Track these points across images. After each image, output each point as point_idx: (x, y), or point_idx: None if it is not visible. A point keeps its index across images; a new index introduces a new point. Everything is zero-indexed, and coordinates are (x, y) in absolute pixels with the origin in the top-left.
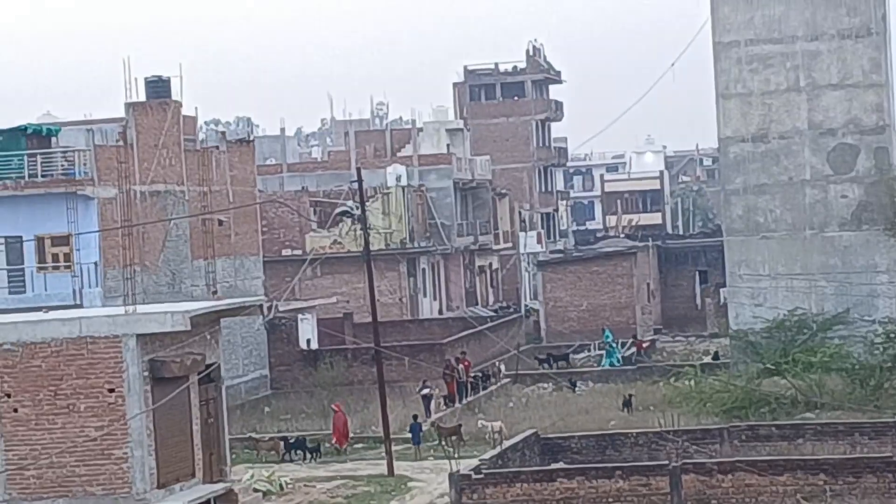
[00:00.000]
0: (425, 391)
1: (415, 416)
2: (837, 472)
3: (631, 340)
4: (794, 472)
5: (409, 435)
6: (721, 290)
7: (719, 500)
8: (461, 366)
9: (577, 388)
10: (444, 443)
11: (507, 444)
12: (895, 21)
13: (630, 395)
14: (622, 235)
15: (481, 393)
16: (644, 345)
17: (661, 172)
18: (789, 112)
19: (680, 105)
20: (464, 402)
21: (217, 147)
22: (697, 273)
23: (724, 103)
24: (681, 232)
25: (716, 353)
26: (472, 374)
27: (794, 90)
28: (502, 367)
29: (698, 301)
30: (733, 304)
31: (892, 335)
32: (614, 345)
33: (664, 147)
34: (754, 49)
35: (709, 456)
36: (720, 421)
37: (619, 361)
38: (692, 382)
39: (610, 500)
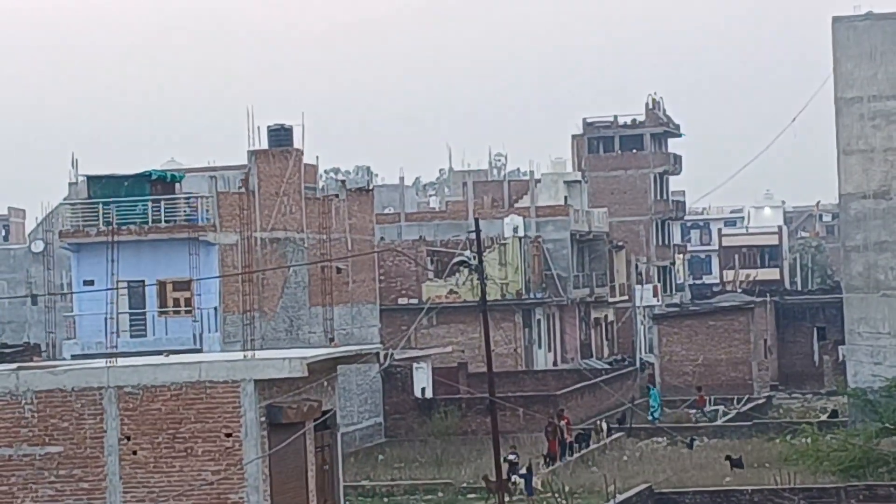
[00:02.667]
0: (511, 457)
1: (528, 468)
2: None
3: (695, 397)
4: None
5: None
6: (839, 347)
7: None
8: (563, 423)
9: (693, 446)
10: (491, 497)
11: (620, 497)
12: None
13: (729, 456)
14: (739, 290)
15: (581, 452)
16: (705, 399)
17: (780, 227)
18: None
19: (800, 160)
20: (565, 460)
21: (337, 195)
22: (815, 330)
23: (845, 159)
24: (799, 288)
25: (834, 410)
26: (575, 432)
27: None
28: (604, 426)
29: (816, 358)
30: (852, 361)
31: None
32: (655, 404)
33: (783, 202)
34: (877, 105)
35: None
36: (837, 480)
37: (653, 418)
38: (809, 440)
39: None
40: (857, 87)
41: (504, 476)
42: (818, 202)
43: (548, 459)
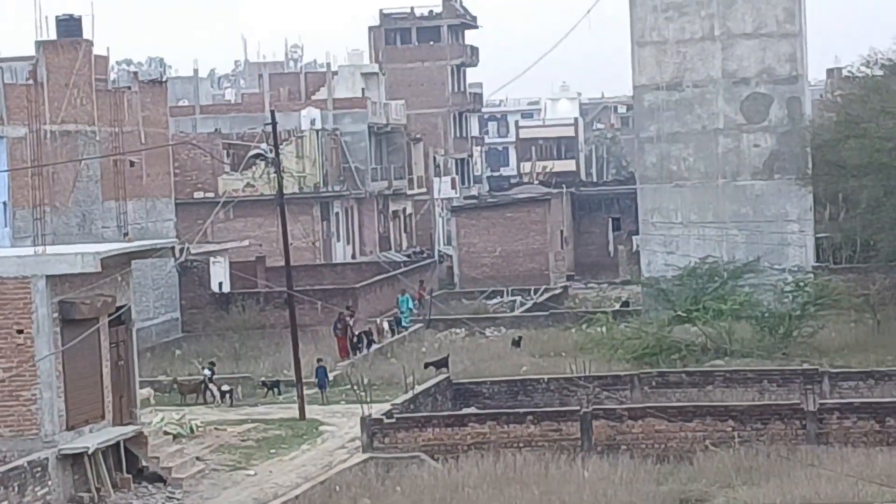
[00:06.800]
0: (207, 372)
1: (318, 360)
2: (746, 418)
3: (417, 289)
4: (704, 418)
5: (315, 380)
6: (633, 237)
7: (629, 446)
8: (351, 320)
9: (520, 345)
10: (185, 400)
11: (419, 388)
12: None
13: (519, 337)
14: (536, 182)
15: (365, 352)
16: (426, 292)
17: (576, 119)
18: (704, 61)
19: (595, 52)
20: (355, 357)
21: (129, 87)
22: (610, 220)
23: (639, 51)
24: (594, 179)
25: (626, 301)
26: (357, 332)
27: (708, 39)
28: (385, 325)
29: (611, 248)
30: (646, 251)
31: (802, 284)
32: (406, 310)
33: (579, 94)
34: None
35: (619, 402)
36: (631, 367)
37: (404, 325)
38: (604, 329)
39: (521, 444)
40: None
41: (202, 387)
42: (602, 94)
43: (341, 355)
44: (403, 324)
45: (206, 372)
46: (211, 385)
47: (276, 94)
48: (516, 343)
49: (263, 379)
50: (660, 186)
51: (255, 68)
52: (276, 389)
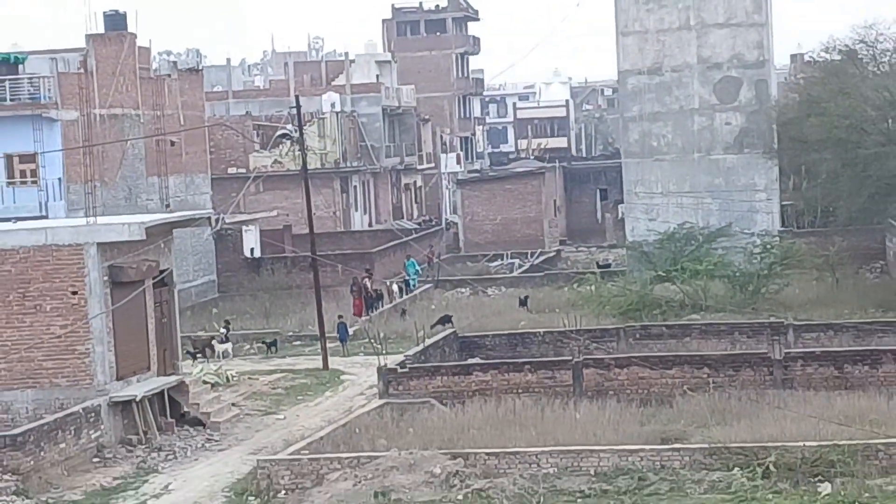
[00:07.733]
0: (223, 330)
1: (339, 317)
2: (719, 366)
3: (426, 253)
4: (682, 366)
5: (337, 335)
6: (619, 206)
7: (616, 391)
8: (366, 281)
9: (527, 304)
10: (198, 356)
11: (429, 341)
12: None
13: (526, 297)
14: (532, 157)
15: (378, 311)
16: (434, 256)
17: (567, 101)
18: (681, 48)
19: (584, 41)
20: (370, 315)
21: (169, 75)
22: (598, 191)
23: (623, 39)
24: (584, 154)
25: (607, 263)
26: (373, 290)
27: (685, 28)
28: (395, 288)
29: (599, 216)
30: (630, 218)
31: (769, 246)
32: (413, 273)
33: (569, 79)
34: None
35: (607, 352)
36: (617, 321)
37: (412, 286)
38: (593, 288)
39: (520, 391)
40: None
41: (214, 346)
42: (585, 79)
43: (356, 314)
44: (411, 286)
45: (222, 330)
46: (213, 342)
47: (300, 80)
48: (523, 303)
49: (265, 339)
50: (642, 160)
51: (281, 58)
52: (274, 347)
